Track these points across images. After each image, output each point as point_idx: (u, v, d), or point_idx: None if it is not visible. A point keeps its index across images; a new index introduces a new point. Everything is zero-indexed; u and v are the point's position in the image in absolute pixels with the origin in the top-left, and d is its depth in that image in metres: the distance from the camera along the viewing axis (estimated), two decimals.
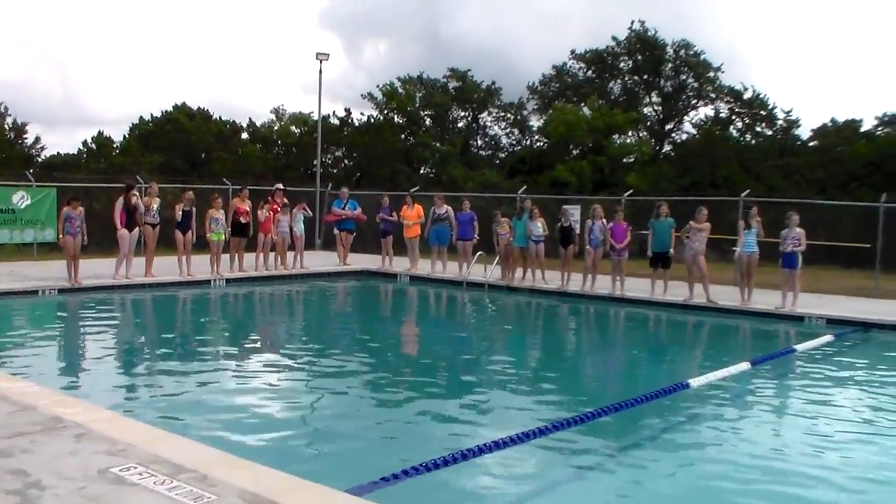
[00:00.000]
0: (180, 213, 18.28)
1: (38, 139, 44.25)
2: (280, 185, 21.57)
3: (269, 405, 8.75)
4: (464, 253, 20.34)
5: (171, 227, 18.80)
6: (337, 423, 8.15)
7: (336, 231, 23.12)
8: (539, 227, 18.75)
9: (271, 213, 20.12)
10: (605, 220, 17.90)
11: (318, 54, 29.94)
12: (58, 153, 46.12)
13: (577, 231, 18.82)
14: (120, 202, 17.32)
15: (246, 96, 78.85)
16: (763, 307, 15.99)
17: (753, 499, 6.24)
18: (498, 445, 6.42)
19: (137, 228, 17.60)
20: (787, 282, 15.81)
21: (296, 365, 11.33)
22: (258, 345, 13.05)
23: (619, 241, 17.52)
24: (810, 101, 67.23)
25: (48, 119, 67.95)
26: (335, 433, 7.78)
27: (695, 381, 9.21)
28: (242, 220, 19.44)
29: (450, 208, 20.76)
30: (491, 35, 63.05)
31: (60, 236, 16.86)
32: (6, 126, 41.75)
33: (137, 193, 18.12)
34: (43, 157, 43.94)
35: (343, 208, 22.56)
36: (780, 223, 16.27)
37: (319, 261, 22.70)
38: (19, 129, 42.40)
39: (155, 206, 18.03)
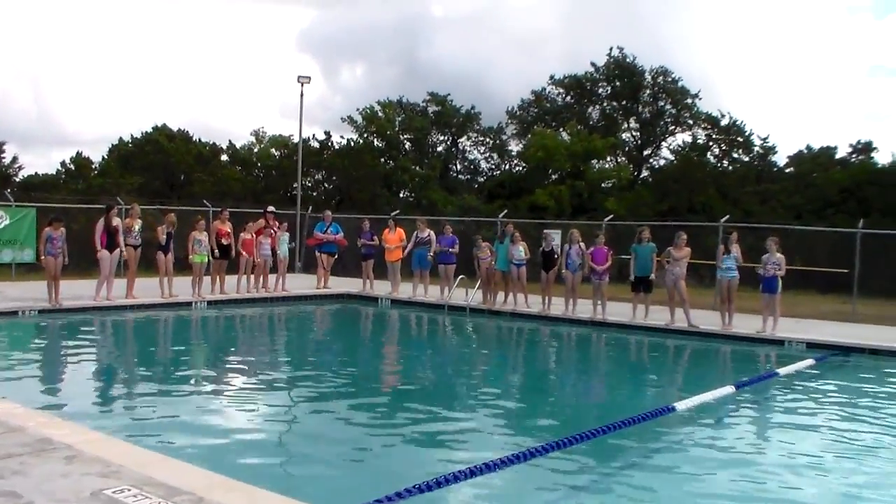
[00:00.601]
0: (164, 235, 18.17)
1: (15, 159, 44.03)
2: (271, 208, 21.56)
3: (255, 428, 8.73)
4: (445, 277, 20.35)
5: (152, 248, 18.72)
6: (324, 446, 8.11)
7: (317, 253, 23.09)
8: (521, 250, 18.79)
9: (254, 235, 20.08)
10: (582, 245, 17.98)
11: (299, 77, 29.93)
12: (36, 173, 45.90)
13: (557, 255, 18.87)
14: (101, 223, 17.22)
15: (225, 118, 78.74)
16: (744, 331, 16.08)
17: None
18: (489, 468, 6.40)
19: (118, 250, 17.51)
20: (768, 306, 15.93)
21: (280, 388, 11.27)
22: (241, 367, 12.96)
23: (600, 264, 17.56)
24: (786, 129, 68.03)
25: (23, 138, 67.49)
26: (323, 455, 7.75)
27: (680, 405, 9.24)
28: (224, 241, 19.37)
29: (432, 232, 20.77)
30: (468, 59, 63.46)
31: (42, 257, 16.73)
32: None
33: (118, 214, 18.04)
34: (20, 176, 43.69)
35: (325, 231, 22.54)
36: (758, 248, 16.40)
37: (300, 283, 22.65)
38: None
39: (136, 228, 17.93)
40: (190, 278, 18.90)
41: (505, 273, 19.26)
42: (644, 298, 17.36)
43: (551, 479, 7.12)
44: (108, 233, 17.18)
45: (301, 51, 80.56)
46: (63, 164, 46.85)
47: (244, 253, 19.93)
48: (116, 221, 17.55)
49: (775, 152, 41.68)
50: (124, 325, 16.54)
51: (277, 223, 21.13)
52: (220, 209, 21.67)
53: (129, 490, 5.07)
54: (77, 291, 17.78)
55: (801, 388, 12.08)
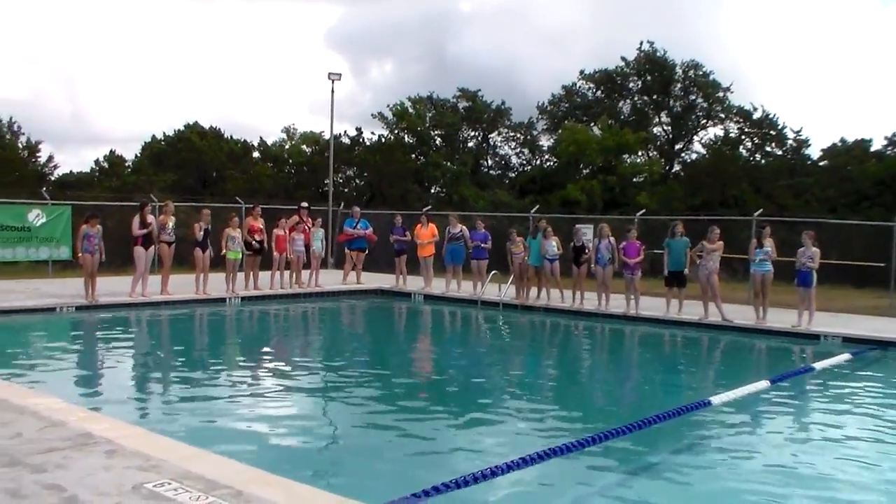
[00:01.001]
0: (201, 231, 18.30)
1: (51, 157, 44.37)
2: (305, 203, 21.64)
3: (291, 422, 8.78)
4: (478, 272, 20.35)
5: (186, 245, 18.85)
6: (360, 440, 8.18)
7: (347, 250, 23.18)
8: (554, 245, 18.75)
9: (287, 231, 20.18)
10: (612, 239, 17.93)
11: (330, 74, 30.02)
12: (70, 171, 46.23)
13: (588, 250, 18.80)
14: (136, 220, 17.39)
15: (256, 115, 79.12)
16: (779, 325, 15.95)
17: None
18: (525, 462, 6.40)
19: (153, 246, 17.67)
20: (803, 300, 15.80)
21: (314, 383, 11.36)
22: (276, 363, 13.05)
23: (632, 258, 17.51)
24: (820, 121, 67.16)
25: (58, 137, 68.02)
26: (359, 449, 7.80)
27: (716, 399, 9.19)
28: (256, 238, 19.48)
29: (464, 227, 20.77)
30: (497, 54, 63.32)
31: (79, 254, 16.90)
32: (20, 144, 41.87)
33: (152, 211, 18.18)
34: (56, 175, 44.05)
35: (354, 227, 22.62)
36: (791, 242, 16.26)
37: (334, 279, 22.72)
38: (32, 148, 42.50)
39: (170, 224, 18.06)
40: (223, 275, 19.03)
41: (538, 268, 19.24)
42: (678, 293, 17.25)
43: (587, 474, 7.12)
44: (142, 228, 17.34)
45: (329, 48, 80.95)
46: (97, 162, 47.23)
47: (277, 249, 20.03)
48: (151, 218, 17.71)
49: (809, 145, 41.17)
50: (160, 322, 16.70)
51: (311, 219, 21.23)
52: (251, 206, 21.79)
53: (170, 484, 5.13)
54: (112, 288, 17.96)
55: (837, 382, 11.97)
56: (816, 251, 15.62)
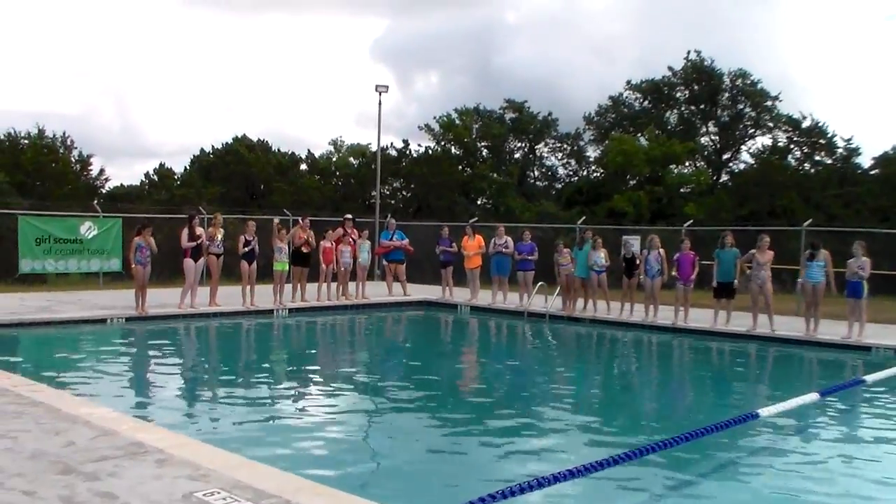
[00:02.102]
0: (247, 247, 18.45)
1: (102, 171, 45.17)
2: (349, 216, 21.73)
3: (338, 433, 8.85)
4: (524, 283, 20.31)
5: (234, 256, 19.01)
6: (407, 452, 8.20)
7: (385, 262, 23.26)
8: (601, 257, 18.69)
9: (334, 243, 20.30)
10: (661, 251, 17.85)
11: (377, 86, 30.10)
12: (121, 184, 47.09)
13: (639, 261, 18.70)
14: (185, 233, 17.60)
15: (303, 128, 79.89)
16: (828, 337, 15.74)
17: None
18: (572, 474, 6.39)
19: (202, 258, 17.86)
20: (853, 311, 15.58)
21: (361, 394, 11.43)
22: (323, 374, 13.15)
23: (686, 270, 17.44)
24: (871, 129, 66.23)
25: (109, 151, 69.39)
26: (407, 460, 7.83)
27: (764, 411, 9.09)
28: (304, 250, 19.61)
29: (509, 238, 20.75)
30: (543, 65, 63.38)
31: (131, 265, 17.13)
32: (72, 158, 42.60)
33: (201, 223, 18.37)
34: (107, 188, 44.79)
35: (391, 239, 22.70)
36: (842, 253, 16.06)
37: (380, 291, 22.80)
38: (84, 162, 43.28)
39: (219, 237, 18.25)
40: (271, 286, 19.18)
41: (584, 280, 19.18)
42: (726, 304, 17.10)
43: (635, 486, 7.09)
44: (191, 241, 17.54)
45: (376, 60, 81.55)
46: (147, 175, 48.10)
47: (324, 261, 20.15)
48: (199, 230, 17.90)
49: (859, 154, 40.53)
50: (208, 333, 16.89)
51: (357, 231, 21.33)
52: (299, 217, 21.89)
53: (219, 493, 5.20)
54: (161, 300, 18.19)
55: (888, 395, 11.76)
56: (867, 261, 15.43)
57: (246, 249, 18.37)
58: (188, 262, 17.52)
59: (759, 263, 16.38)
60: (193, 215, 18.44)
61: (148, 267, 16.89)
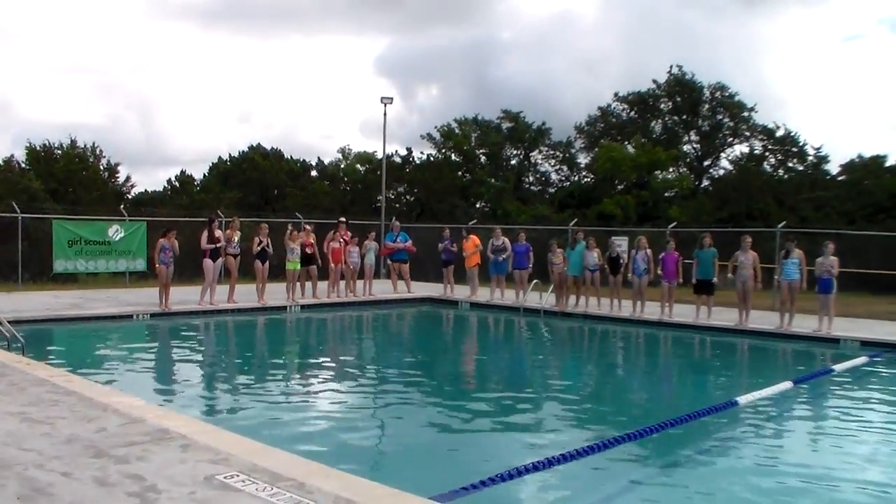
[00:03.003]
0: (259, 246, 18.44)
1: (128, 178, 45.12)
2: (342, 219, 21.69)
3: (348, 420, 8.90)
4: (520, 281, 20.35)
5: (250, 256, 19.00)
6: (413, 437, 8.25)
7: (389, 262, 23.29)
8: (595, 256, 18.74)
9: (342, 243, 20.31)
10: (648, 251, 17.92)
11: (382, 98, 30.04)
12: (145, 190, 47.11)
13: (623, 260, 18.77)
14: (204, 235, 17.63)
15: (313, 137, 79.96)
16: (801, 330, 15.81)
17: None
18: (565, 458, 6.45)
19: (220, 258, 17.89)
20: (823, 306, 15.67)
21: (369, 383, 11.47)
22: (334, 365, 13.18)
23: (670, 269, 17.52)
24: (839, 138, 66.52)
25: (134, 159, 69.49)
26: (413, 445, 7.89)
27: (743, 399, 9.17)
28: (308, 251, 19.59)
29: (506, 239, 20.78)
30: (536, 79, 63.29)
31: (156, 265, 17.18)
32: (101, 166, 42.64)
33: (219, 226, 18.35)
34: (132, 194, 44.80)
35: (395, 241, 22.70)
36: (813, 252, 16.14)
37: (386, 289, 22.81)
38: (112, 169, 43.26)
39: (236, 239, 18.29)
40: (284, 284, 19.23)
41: (577, 277, 19.24)
42: (706, 300, 17.16)
43: (620, 470, 7.12)
44: (210, 242, 17.59)
45: (379, 74, 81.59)
46: (169, 181, 48.10)
47: (333, 261, 20.18)
48: (218, 233, 17.93)
49: (828, 161, 40.92)
50: (226, 328, 16.91)
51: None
52: (309, 221, 21.86)
53: (238, 476, 5.22)
54: (183, 297, 18.21)
55: (855, 383, 11.88)
56: (835, 260, 15.51)
57: (258, 249, 18.39)
58: (207, 262, 17.55)
59: (743, 263, 16.43)
60: (213, 219, 18.48)
61: (171, 266, 16.95)
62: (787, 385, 10.31)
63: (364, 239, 21.60)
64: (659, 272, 17.67)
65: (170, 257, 16.86)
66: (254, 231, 19.54)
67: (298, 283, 19.53)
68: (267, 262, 18.59)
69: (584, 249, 18.93)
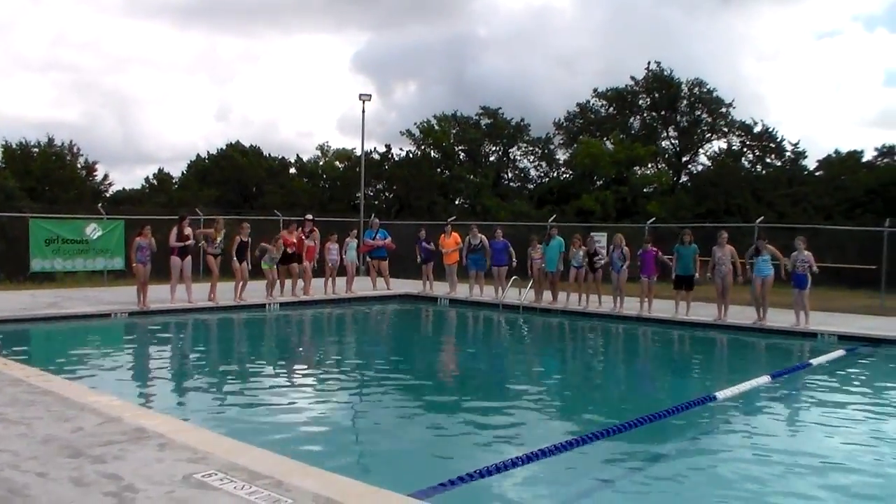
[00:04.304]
0: (240, 243, 18.39)
1: (106, 176, 44.97)
2: (309, 216, 21.55)
3: (327, 418, 8.91)
4: (498, 277, 20.38)
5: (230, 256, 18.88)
6: (391, 434, 8.24)
7: (368, 259, 23.26)
8: (580, 255, 18.77)
9: (319, 242, 20.30)
10: (625, 249, 17.99)
11: (360, 95, 29.92)
12: (123, 188, 47.01)
13: (602, 257, 18.83)
14: (174, 232, 17.46)
15: (292, 134, 79.82)
16: (778, 325, 15.93)
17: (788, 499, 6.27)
18: (544, 454, 6.48)
19: (188, 256, 17.73)
20: (798, 301, 15.77)
21: (348, 380, 11.44)
22: (313, 362, 13.15)
23: (649, 265, 17.67)
24: (815, 134, 67.19)
25: (112, 158, 69.16)
26: (391, 442, 7.88)
27: (721, 394, 9.24)
28: (289, 250, 19.53)
29: (484, 237, 20.78)
30: (514, 76, 63.65)
31: (133, 264, 17.08)
32: (78, 165, 42.41)
33: (189, 223, 18.13)
34: (110, 192, 44.62)
35: (374, 238, 22.68)
36: (791, 247, 16.27)
37: (365, 286, 22.77)
38: (89, 168, 43.08)
39: (219, 239, 18.20)
40: (265, 283, 19.17)
41: (552, 273, 19.29)
42: (686, 296, 17.26)
43: (600, 465, 7.15)
44: (179, 240, 17.46)
45: (357, 71, 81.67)
46: (147, 179, 48.00)
47: (306, 258, 20.09)
48: (188, 230, 17.74)
49: (806, 157, 41.54)
50: (205, 326, 16.83)
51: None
52: (287, 219, 21.70)
53: (217, 474, 5.23)
54: (162, 295, 18.07)
55: (832, 376, 11.97)
56: (809, 255, 15.62)
57: (237, 247, 18.28)
58: (174, 259, 17.35)
59: (720, 258, 16.52)
60: (185, 216, 18.17)
61: (148, 265, 16.84)
62: (764, 379, 10.38)
63: (345, 237, 21.54)
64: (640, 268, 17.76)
65: (147, 255, 16.73)
66: (235, 230, 19.43)
67: (278, 282, 19.49)
68: (245, 261, 18.50)
69: (561, 245, 19.00)
